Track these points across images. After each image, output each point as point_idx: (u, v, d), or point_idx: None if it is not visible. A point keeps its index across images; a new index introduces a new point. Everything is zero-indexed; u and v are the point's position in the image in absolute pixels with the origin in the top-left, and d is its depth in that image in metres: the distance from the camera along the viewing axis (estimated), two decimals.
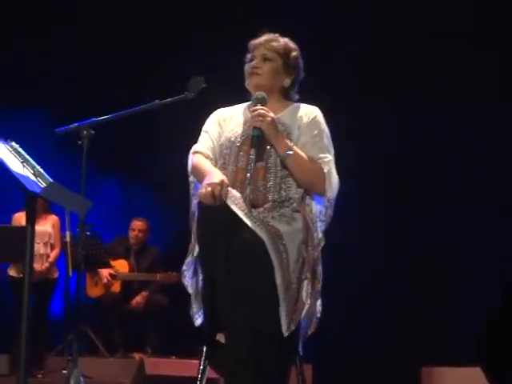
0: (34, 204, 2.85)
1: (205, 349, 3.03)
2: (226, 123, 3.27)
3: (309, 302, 2.98)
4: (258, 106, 3.13)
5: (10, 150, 2.87)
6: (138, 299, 7.28)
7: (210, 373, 3.06)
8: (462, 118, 7.16)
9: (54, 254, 6.98)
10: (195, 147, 3.25)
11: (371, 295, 7.11)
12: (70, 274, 6.51)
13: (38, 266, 6.71)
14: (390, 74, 7.23)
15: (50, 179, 2.80)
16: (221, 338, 2.97)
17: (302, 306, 2.97)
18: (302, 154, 3.11)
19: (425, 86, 7.23)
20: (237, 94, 3.35)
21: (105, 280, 7.27)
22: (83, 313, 6.28)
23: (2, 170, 2.79)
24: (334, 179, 3.14)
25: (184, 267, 3.13)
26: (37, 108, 7.94)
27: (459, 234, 7.05)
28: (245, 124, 3.22)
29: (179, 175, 3.49)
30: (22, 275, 2.86)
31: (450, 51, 7.20)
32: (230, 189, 2.97)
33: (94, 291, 7.31)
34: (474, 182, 7.02)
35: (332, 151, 3.19)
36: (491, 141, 7.08)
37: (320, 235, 3.08)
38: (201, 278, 3.08)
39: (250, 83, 3.26)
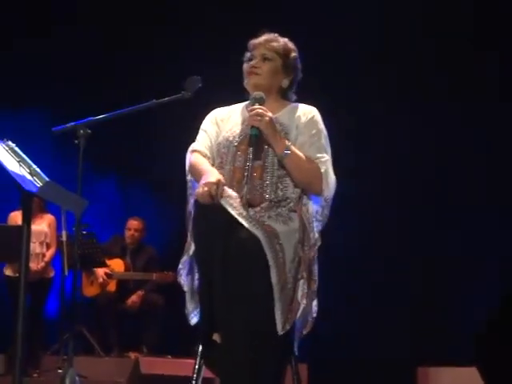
0: (30, 203, 2.84)
1: (200, 348, 3.03)
2: (223, 123, 3.27)
3: (304, 301, 2.97)
4: (257, 106, 3.13)
5: (7, 149, 2.86)
6: (134, 298, 7.27)
7: (206, 372, 3.05)
8: (462, 118, 7.15)
9: (49, 254, 6.97)
10: (193, 146, 3.25)
11: (370, 295, 7.11)
12: (66, 273, 6.49)
13: (34, 265, 6.70)
14: (389, 74, 7.22)
15: (47, 178, 2.79)
16: (217, 337, 2.97)
17: (298, 306, 2.96)
18: (300, 154, 3.11)
19: (425, 86, 7.23)
20: (235, 94, 3.34)
21: (100, 279, 7.26)
22: (79, 312, 6.28)
23: None
24: (331, 179, 3.13)
25: (180, 266, 3.11)
26: (37, 108, 7.95)
27: (459, 234, 7.04)
28: (243, 124, 3.21)
29: (176, 174, 3.49)
30: (17, 274, 2.85)
31: (449, 51, 7.19)
32: (226, 188, 2.97)
33: (89, 290, 7.30)
34: (474, 181, 7.01)
35: (329, 151, 3.19)
36: (491, 141, 7.08)
37: (316, 235, 3.07)
38: (197, 277, 3.08)
39: (248, 82, 3.26)
